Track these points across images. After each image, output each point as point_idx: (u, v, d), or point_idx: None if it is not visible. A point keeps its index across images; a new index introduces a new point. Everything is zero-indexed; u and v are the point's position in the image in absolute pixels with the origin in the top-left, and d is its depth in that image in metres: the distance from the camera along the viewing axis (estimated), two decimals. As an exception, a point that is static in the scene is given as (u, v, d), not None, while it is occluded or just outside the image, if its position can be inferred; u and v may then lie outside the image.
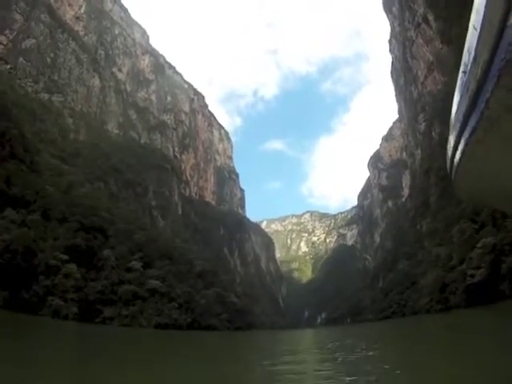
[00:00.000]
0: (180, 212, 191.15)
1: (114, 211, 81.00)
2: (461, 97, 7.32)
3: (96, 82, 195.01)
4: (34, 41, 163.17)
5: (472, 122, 6.04)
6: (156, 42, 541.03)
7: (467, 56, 6.47)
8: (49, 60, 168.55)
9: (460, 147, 7.62)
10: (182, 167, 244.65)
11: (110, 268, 58.16)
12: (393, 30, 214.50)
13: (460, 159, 7.97)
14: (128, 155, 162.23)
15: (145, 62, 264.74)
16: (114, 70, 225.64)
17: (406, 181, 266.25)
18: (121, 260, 62.63)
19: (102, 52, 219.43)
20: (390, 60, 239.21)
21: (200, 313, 69.94)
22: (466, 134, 6.86)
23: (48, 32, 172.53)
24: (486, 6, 4.45)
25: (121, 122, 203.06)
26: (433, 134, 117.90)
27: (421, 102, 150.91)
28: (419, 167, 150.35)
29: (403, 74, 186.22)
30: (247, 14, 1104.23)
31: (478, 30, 4.87)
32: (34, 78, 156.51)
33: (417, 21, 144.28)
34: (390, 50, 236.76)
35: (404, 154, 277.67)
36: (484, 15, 4.51)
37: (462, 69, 7.48)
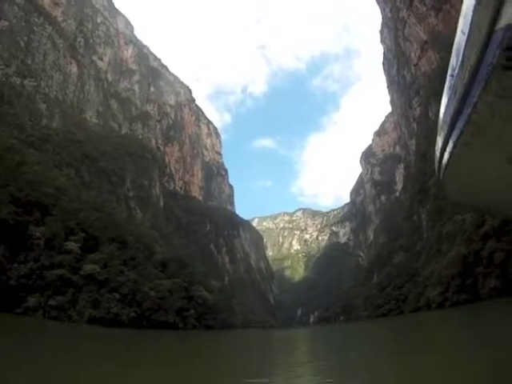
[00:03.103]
0: (161, 205, 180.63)
1: (67, 190, 70.65)
2: (448, 99, 7.50)
3: (73, 69, 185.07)
4: (6, 23, 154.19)
5: (459, 125, 6.77)
6: (142, 36, 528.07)
7: (455, 60, 6.84)
8: (22, 43, 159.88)
9: (448, 149, 8.06)
10: (166, 160, 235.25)
11: (41, 248, 48.12)
12: (384, 17, 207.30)
13: (448, 161, 8.32)
14: (104, 143, 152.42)
15: (128, 53, 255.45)
16: (95, 58, 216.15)
17: (400, 176, 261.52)
18: (57, 240, 52.30)
19: (82, 39, 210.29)
20: (382, 51, 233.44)
21: (150, 307, 58.56)
22: (454, 137, 7.30)
23: (22, 15, 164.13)
24: (473, 11, 5.35)
25: (100, 112, 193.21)
26: (429, 114, 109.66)
27: (415, 85, 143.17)
28: (414, 155, 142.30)
29: (395, 61, 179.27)
30: (235, 8, 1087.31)
31: (466, 34, 5.73)
32: (6, 61, 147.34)
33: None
34: (382, 40, 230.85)
35: (397, 148, 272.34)
36: (472, 20, 5.46)
37: (449, 72, 7.53)
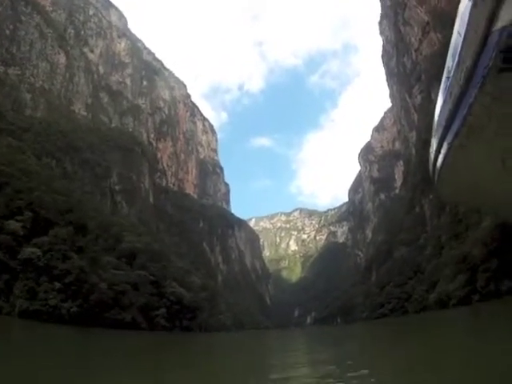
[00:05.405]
0: (151, 200, 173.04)
1: (35, 175, 63.24)
2: (444, 101, 7.73)
3: (62, 59, 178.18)
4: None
5: (455, 127, 6.70)
6: (137, 32, 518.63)
7: (451, 61, 6.84)
8: (7, 32, 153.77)
9: (442, 151, 8.25)
10: (159, 155, 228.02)
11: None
12: (383, 6, 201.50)
13: (442, 163, 8.56)
14: (91, 135, 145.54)
15: (121, 46, 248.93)
16: (85, 50, 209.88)
17: (399, 172, 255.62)
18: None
19: (72, 30, 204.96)
20: (381, 45, 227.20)
21: (101, 302, 49.55)
22: (449, 139, 7.32)
23: (9, 3, 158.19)
24: (470, 13, 5.32)
25: (89, 104, 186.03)
26: (432, 96, 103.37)
27: (415, 72, 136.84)
28: (415, 146, 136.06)
29: (395, 51, 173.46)
30: (232, 5, 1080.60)
31: (462, 35, 5.66)
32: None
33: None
34: (381, 32, 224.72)
35: (396, 144, 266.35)
36: (468, 21, 5.39)
37: (445, 74, 7.71)
